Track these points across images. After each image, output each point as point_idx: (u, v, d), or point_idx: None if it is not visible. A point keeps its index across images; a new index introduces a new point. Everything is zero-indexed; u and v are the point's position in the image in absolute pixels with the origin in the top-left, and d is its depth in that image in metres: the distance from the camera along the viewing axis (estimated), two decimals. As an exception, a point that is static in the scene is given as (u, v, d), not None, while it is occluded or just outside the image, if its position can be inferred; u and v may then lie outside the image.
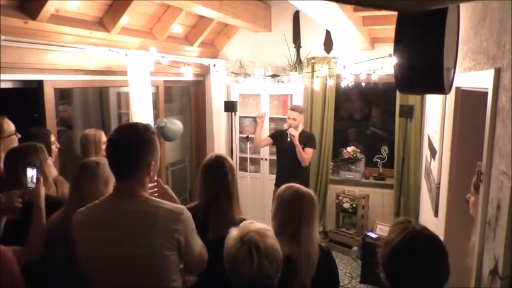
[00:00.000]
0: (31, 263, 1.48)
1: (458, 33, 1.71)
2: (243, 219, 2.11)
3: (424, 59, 1.36)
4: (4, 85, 2.90)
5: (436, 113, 3.11)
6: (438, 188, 2.69)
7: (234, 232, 1.55)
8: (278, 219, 1.98)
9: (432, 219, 2.87)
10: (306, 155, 4.28)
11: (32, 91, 3.17)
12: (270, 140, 4.60)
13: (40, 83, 3.15)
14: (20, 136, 2.53)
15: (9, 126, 2.48)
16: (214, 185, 2.14)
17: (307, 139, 4.36)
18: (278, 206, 2.01)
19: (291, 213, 1.96)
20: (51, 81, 3.22)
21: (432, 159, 3.18)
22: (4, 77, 2.81)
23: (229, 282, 1.52)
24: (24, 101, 3.27)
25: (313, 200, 2.00)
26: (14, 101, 3.08)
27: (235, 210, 2.13)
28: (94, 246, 1.57)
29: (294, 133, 4.22)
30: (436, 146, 2.91)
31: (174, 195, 2.07)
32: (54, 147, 2.89)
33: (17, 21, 2.64)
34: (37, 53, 2.92)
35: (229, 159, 2.22)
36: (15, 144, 2.46)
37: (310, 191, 2.03)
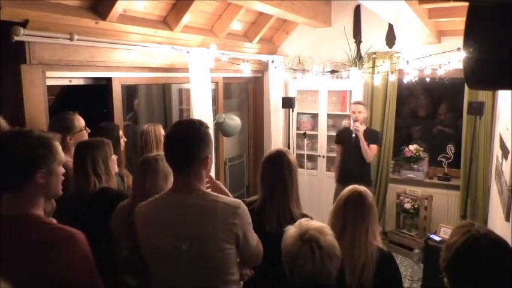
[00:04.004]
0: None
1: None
2: (305, 215, 2.11)
3: (497, 51, 1.27)
4: (76, 82, 3.09)
5: (509, 110, 2.90)
6: (510, 190, 2.52)
7: (291, 230, 1.54)
8: (330, 218, 1.98)
9: (503, 224, 2.70)
10: (371, 151, 4.23)
11: (100, 88, 3.33)
12: (340, 146, 4.48)
13: (109, 80, 3.31)
14: (89, 131, 2.67)
15: (80, 122, 2.63)
16: (270, 179, 2.15)
17: (372, 136, 4.30)
18: (334, 206, 2.01)
19: (338, 213, 1.95)
20: (119, 78, 3.37)
21: (504, 159, 2.98)
22: (77, 74, 3.00)
23: (285, 276, 1.51)
24: (93, 97, 3.46)
25: (363, 200, 1.93)
26: (85, 98, 3.29)
27: (292, 205, 2.11)
28: (154, 238, 1.63)
29: (359, 127, 4.16)
30: (509, 145, 2.73)
31: (227, 190, 2.10)
32: (122, 141, 3.07)
33: (89, 22, 2.80)
34: (106, 52, 3.06)
35: (289, 154, 2.20)
36: (85, 138, 2.60)
37: (365, 192, 1.97)
